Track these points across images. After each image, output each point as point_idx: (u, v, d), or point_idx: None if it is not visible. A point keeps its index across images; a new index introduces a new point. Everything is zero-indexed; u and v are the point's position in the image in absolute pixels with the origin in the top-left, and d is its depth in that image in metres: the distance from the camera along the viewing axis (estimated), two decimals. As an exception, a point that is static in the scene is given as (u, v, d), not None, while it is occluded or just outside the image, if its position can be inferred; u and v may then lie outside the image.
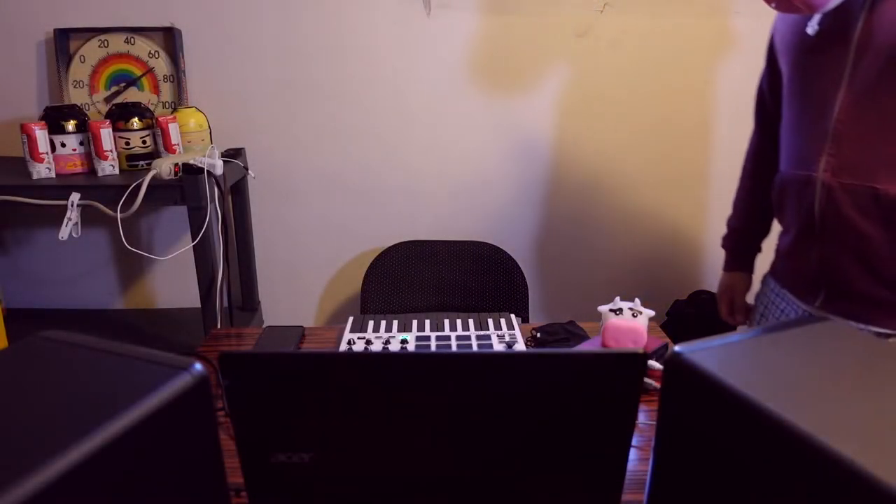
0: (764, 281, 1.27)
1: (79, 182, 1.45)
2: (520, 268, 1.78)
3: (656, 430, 0.59)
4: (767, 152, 1.23)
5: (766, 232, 1.33)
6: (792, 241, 1.08)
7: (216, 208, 1.44)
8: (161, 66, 1.72)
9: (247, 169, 1.76)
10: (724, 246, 1.38)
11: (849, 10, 0.93)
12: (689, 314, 1.87)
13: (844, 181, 0.94)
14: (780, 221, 1.14)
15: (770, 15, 1.79)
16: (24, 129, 1.43)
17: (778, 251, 1.18)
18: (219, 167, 1.44)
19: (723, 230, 2.11)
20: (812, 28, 0.98)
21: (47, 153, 1.46)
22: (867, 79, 0.91)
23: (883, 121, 0.90)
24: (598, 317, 1.12)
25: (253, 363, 0.56)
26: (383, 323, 1.17)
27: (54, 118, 1.48)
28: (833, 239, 0.98)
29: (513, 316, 1.20)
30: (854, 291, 0.98)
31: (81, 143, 1.50)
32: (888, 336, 0.97)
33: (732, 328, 1.94)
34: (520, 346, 1.08)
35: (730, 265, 1.36)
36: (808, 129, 1.00)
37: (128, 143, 1.53)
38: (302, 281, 2.01)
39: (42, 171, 1.46)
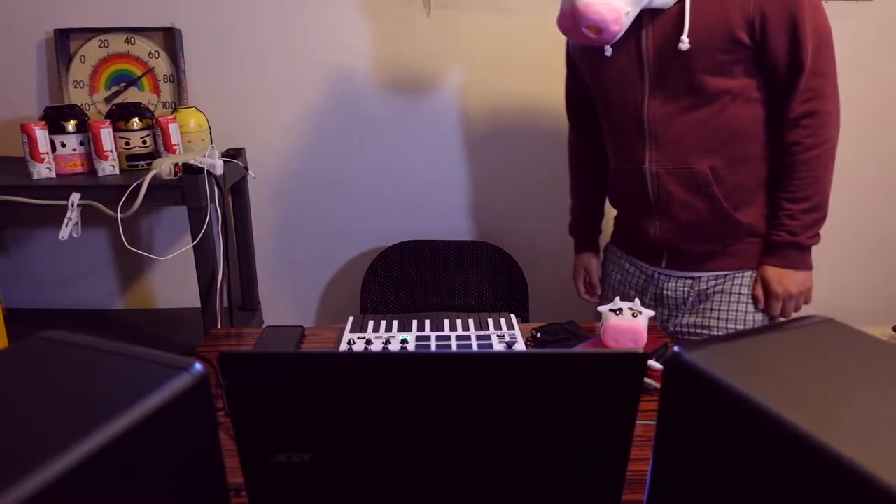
0: (606, 250, 1.50)
1: (79, 182, 1.45)
2: (520, 268, 1.78)
3: (656, 430, 0.59)
4: (588, 147, 1.43)
5: (603, 215, 1.51)
6: (633, 219, 1.29)
7: (216, 208, 1.44)
8: (161, 66, 1.72)
9: (247, 169, 1.76)
10: (571, 232, 1.55)
11: (634, 30, 1.12)
12: (689, 314, 1.87)
13: (668, 167, 1.17)
14: (618, 204, 1.37)
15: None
16: (25, 129, 1.43)
17: (620, 227, 1.43)
18: (219, 167, 1.44)
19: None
20: (608, 51, 1.16)
21: (47, 153, 1.46)
22: (664, 84, 1.13)
23: (685, 114, 1.13)
24: (598, 317, 1.12)
25: (253, 363, 0.56)
26: (383, 323, 1.17)
27: (54, 118, 1.48)
28: (667, 213, 1.21)
29: (513, 316, 1.20)
30: (688, 251, 1.24)
31: (81, 143, 1.50)
32: (720, 277, 1.24)
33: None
34: (520, 346, 1.08)
35: (580, 248, 1.53)
36: (631, 132, 1.20)
37: (128, 143, 1.53)
38: (302, 281, 2.01)
39: (42, 171, 1.46)
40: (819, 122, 1.11)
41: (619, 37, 1.06)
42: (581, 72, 1.30)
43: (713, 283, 1.24)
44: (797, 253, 1.18)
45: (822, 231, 1.21)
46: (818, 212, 1.18)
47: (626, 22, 1.04)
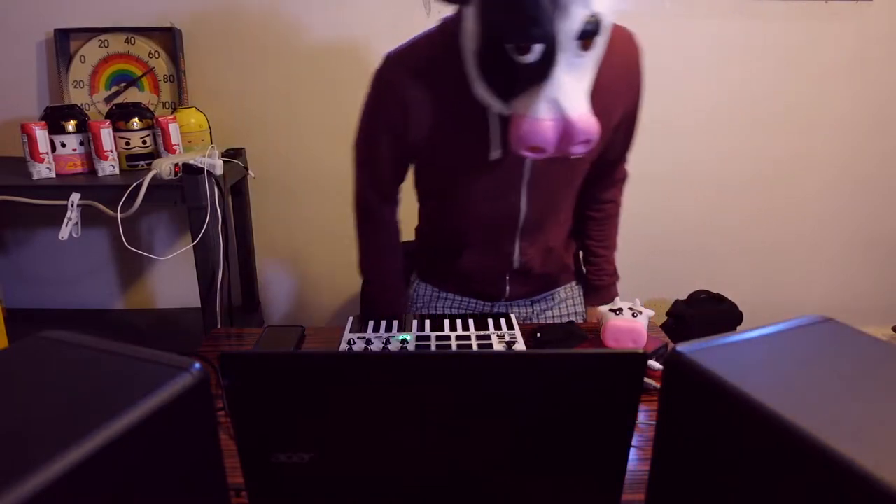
0: (416, 283, 1.36)
1: (79, 182, 1.45)
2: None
3: (656, 430, 0.59)
4: (395, 223, 1.26)
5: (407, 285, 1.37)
6: (485, 277, 1.26)
7: (216, 208, 1.44)
8: (161, 66, 1.72)
9: (247, 169, 1.76)
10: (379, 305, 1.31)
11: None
12: (689, 314, 1.87)
13: (534, 246, 1.20)
14: (463, 277, 1.27)
15: (770, 16, 1.80)
16: (25, 129, 1.43)
17: (458, 276, 1.28)
18: (219, 167, 1.44)
19: (723, 230, 2.11)
20: (497, 154, 1.02)
21: (47, 153, 1.46)
22: (541, 183, 1.09)
23: (554, 206, 1.16)
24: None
25: (253, 363, 0.56)
26: (383, 323, 1.17)
27: (54, 118, 1.49)
28: (523, 275, 1.25)
29: (513, 316, 1.20)
30: (527, 294, 1.31)
31: (81, 143, 1.50)
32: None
33: (733, 328, 1.94)
34: (520, 346, 1.08)
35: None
36: (502, 224, 1.15)
37: (128, 143, 1.53)
38: (302, 281, 2.01)
39: (42, 171, 1.46)
40: (625, 181, 1.27)
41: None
42: (443, 173, 1.13)
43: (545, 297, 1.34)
44: (613, 288, 1.32)
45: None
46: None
47: None
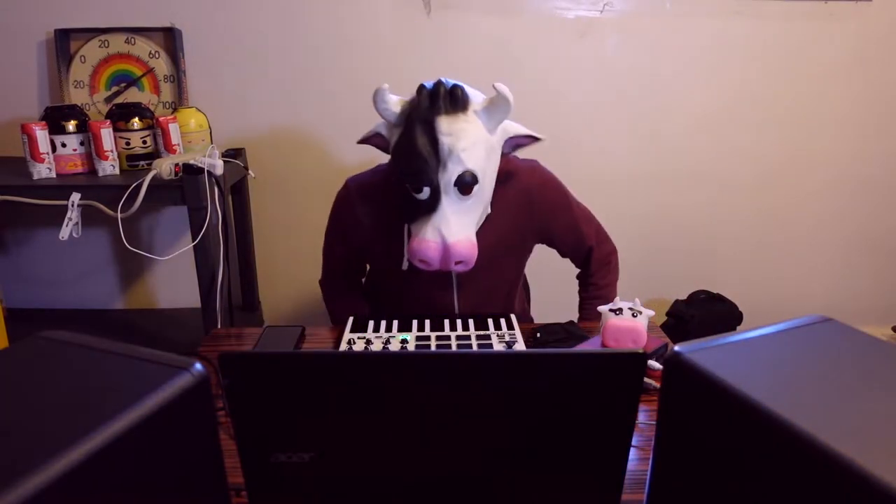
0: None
1: (79, 182, 1.45)
2: (520, 268, 1.78)
3: (656, 430, 0.59)
4: (357, 299, 1.42)
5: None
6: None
7: (216, 208, 1.44)
8: (161, 66, 1.72)
9: (247, 169, 1.76)
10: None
11: None
12: (689, 314, 1.87)
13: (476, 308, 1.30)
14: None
15: (770, 16, 1.80)
16: (25, 129, 1.43)
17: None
18: (219, 167, 1.44)
19: (723, 230, 2.11)
20: (406, 264, 1.22)
21: (48, 153, 1.46)
22: (469, 286, 1.26)
23: (490, 298, 1.30)
24: (598, 317, 1.12)
25: (253, 363, 0.56)
26: (383, 323, 1.17)
27: (55, 118, 1.48)
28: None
29: (513, 316, 1.20)
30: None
31: (82, 143, 1.50)
32: None
33: (733, 328, 1.95)
34: (520, 346, 1.08)
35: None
36: (440, 308, 1.29)
37: (128, 143, 1.53)
38: (302, 281, 2.01)
39: (42, 171, 1.46)
40: (611, 259, 1.40)
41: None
42: (361, 250, 1.33)
43: None
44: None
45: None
46: None
47: None
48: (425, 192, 1.08)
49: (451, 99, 1.07)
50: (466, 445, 0.59)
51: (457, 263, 1.10)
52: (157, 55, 1.71)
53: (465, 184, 1.07)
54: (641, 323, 1.07)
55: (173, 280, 1.98)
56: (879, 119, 1.92)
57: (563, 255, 1.39)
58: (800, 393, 0.49)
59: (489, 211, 1.20)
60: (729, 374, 0.51)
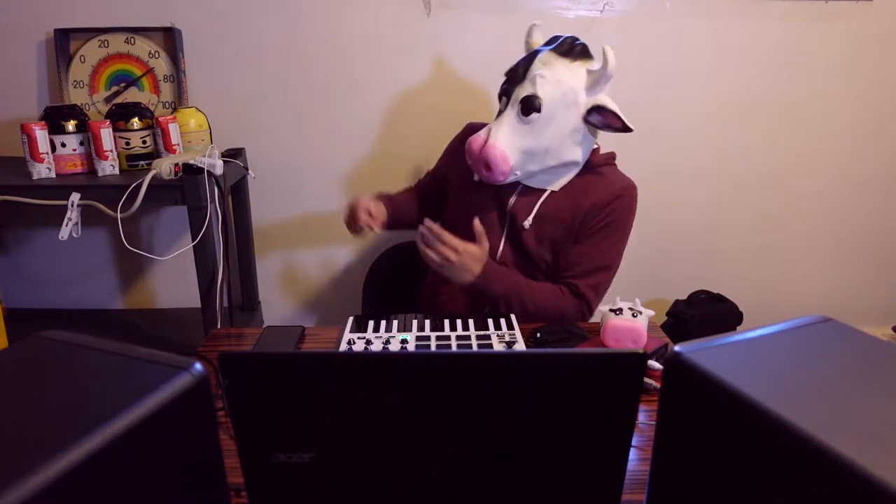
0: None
1: (79, 182, 1.45)
2: (520, 268, 1.77)
3: (656, 430, 0.59)
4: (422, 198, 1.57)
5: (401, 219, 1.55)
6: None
7: (216, 208, 1.44)
8: (161, 66, 1.72)
9: (247, 169, 1.76)
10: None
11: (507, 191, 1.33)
12: (689, 314, 1.87)
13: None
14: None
15: (770, 16, 1.79)
16: (25, 129, 1.43)
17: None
18: (219, 167, 1.44)
19: (724, 230, 2.11)
20: (476, 177, 1.32)
21: (47, 153, 1.46)
22: (518, 238, 1.32)
23: (527, 260, 1.34)
24: (598, 317, 1.12)
25: (253, 363, 0.56)
26: (383, 323, 1.17)
27: (54, 118, 1.48)
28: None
29: (513, 316, 1.20)
30: None
31: (81, 143, 1.50)
32: None
33: (733, 328, 1.94)
34: (520, 346, 1.08)
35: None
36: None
37: (128, 143, 1.53)
38: (302, 281, 2.01)
39: (42, 171, 1.46)
40: (580, 304, 1.35)
41: (504, 181, 1.26)
42: (448, 188, 1.47)
43: None
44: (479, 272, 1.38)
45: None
46: None
47: (511, 177, 1.26)
48: (503, 102, 1.24)
49: (568, 45, 1.21)
50: (466, 445, 0.59)
51: (485, 168, 1.22)
52: (156, 55, 1.71)
53: (529, 105, 1.18)
54: (641, 323, 1.07)
55: (173, 280, 1.98)
56: (879, 119, 1.92)
57: (559, 263, 1.34)
58: (800, 393, 0.49)
59: (556, 188, 1.31)
60: (729, 374, 0.51)
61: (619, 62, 1.84)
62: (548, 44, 1.24)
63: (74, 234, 1.39)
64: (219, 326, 1.46)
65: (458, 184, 1.42)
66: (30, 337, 0.55)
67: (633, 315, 1.07)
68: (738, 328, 1.96)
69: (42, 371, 0.51)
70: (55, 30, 1.68)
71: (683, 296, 1.96)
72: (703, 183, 1.96)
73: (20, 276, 1.95)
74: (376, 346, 1.08)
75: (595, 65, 1.22)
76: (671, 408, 0.57)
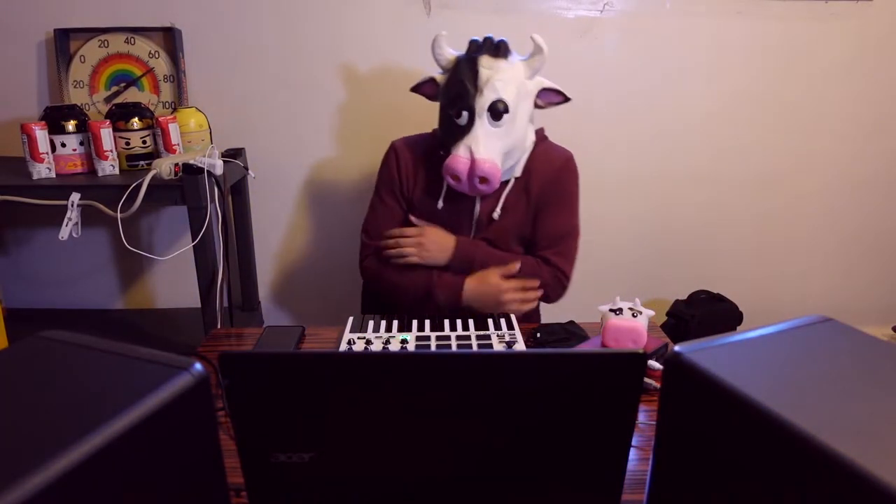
0: None
1: (79, 182, 1.45)
2: (520, 268, 1.77)
3: (656, 430, 0.59)
4: None
5: None
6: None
7: (216, 208, 1.44)
8: (161, 66, 1.72)
9: (247, 169, 1.76)
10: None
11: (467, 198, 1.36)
12: (689, 314, 1.87)
13: None
14: None
15: (770, 16, 1.79)
16: (25, 129, 1.43)
17: None
18: (219, 167, 1.43)
19: (723, 230, 2.11)
20: (440, 205, 1.37)
21: (47, 153, 1.46)
22: (490, 231, 1.36)
23: (501, 251, 1.36)
24: (598, 317, 1.12)
25: (253, 363, 0.56)
26: (383, 323, 1.17)
27: (54, 118, 1.48)
28: None
29: (513, 316, 1.20)
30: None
31: (81, 143, 1.50)
32: None
33: (733, 328, 1.94)
34: (520, 346, 1.08)
35: None
36: None
37: (128, 143, 1.53)
38: (302, 281, 2.01)
39: (42, 171, 1.46)
40: (552, 279, 1.40)
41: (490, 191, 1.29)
42: (410, 211, 1.42)
43: None
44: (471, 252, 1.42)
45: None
46: None
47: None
48: (464, 118, 1.25)
49: (494, 46, 1.27)
50: (466, 445, 0.59)
51: (481, 182, 1.25)
52: (156, 55, 1.71)
53: (497, 111, 1.23)
54: (641, 323, 1.07)
55: (173, 280, 1.98)
56: (879, 119, 1.92)
57: (530, 242, 1.39)
58: (800, 393, 0.49)
59: (518, 174, 1.36)
60: (729, 374, 0.51)
61: (619, 62, 1.85)
62: (470, 51, 1.28)
63: (74, 234, 1.39)
64: (219, 326, 1.46)
65: (422, 198, 1.39)
66: (30, 337, 0.55)
67: (633, 315, 1.07)
68: (738, 328, 1.96)
69: (42, 371, 0.51)
70: (55, 30, 1.68)
71: (683, 296, 1.96)
72: (703, 183, 1.96)
73: (20, 276, 1.95)
74: (376, 346, 1.08)
75: (521, 56, 1.29)
76: (671, 408, 0.57)
